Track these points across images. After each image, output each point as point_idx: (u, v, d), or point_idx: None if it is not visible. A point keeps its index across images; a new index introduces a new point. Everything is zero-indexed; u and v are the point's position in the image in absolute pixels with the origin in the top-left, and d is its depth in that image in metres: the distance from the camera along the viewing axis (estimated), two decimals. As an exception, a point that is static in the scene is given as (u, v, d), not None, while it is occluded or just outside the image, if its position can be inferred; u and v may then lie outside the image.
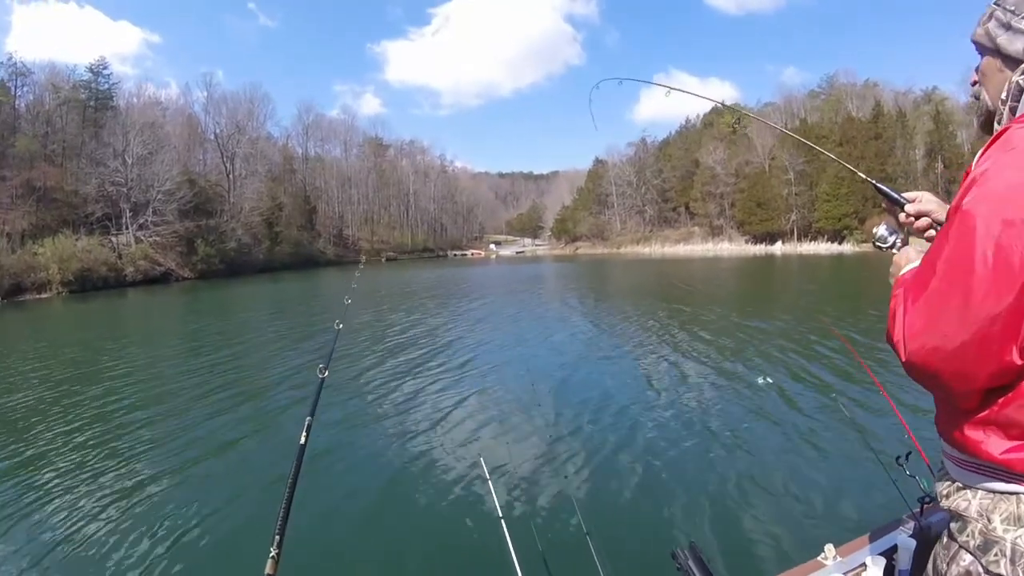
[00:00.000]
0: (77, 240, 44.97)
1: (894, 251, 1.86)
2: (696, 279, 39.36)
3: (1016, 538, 1.38)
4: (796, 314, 20.45)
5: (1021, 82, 1.43)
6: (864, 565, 2.59)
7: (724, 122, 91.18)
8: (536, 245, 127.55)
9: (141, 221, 54.02)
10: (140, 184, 55.17)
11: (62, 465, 8.14)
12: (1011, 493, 1.40)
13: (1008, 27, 1.47)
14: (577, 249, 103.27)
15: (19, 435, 9.71)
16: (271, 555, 1.52)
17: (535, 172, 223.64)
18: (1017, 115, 1.43)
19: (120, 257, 48.80)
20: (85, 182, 52.90)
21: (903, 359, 1.39)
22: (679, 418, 9.31)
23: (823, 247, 70.36)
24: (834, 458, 7.49)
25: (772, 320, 18.98)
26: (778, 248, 74.67)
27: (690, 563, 2.34)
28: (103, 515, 6.52)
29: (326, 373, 2.73)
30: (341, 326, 3.94)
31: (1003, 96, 1.48)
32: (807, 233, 75.31)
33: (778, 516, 6.04)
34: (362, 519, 6.44)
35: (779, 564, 3.10)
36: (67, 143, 56.01)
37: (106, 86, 67.13)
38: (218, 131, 79.67)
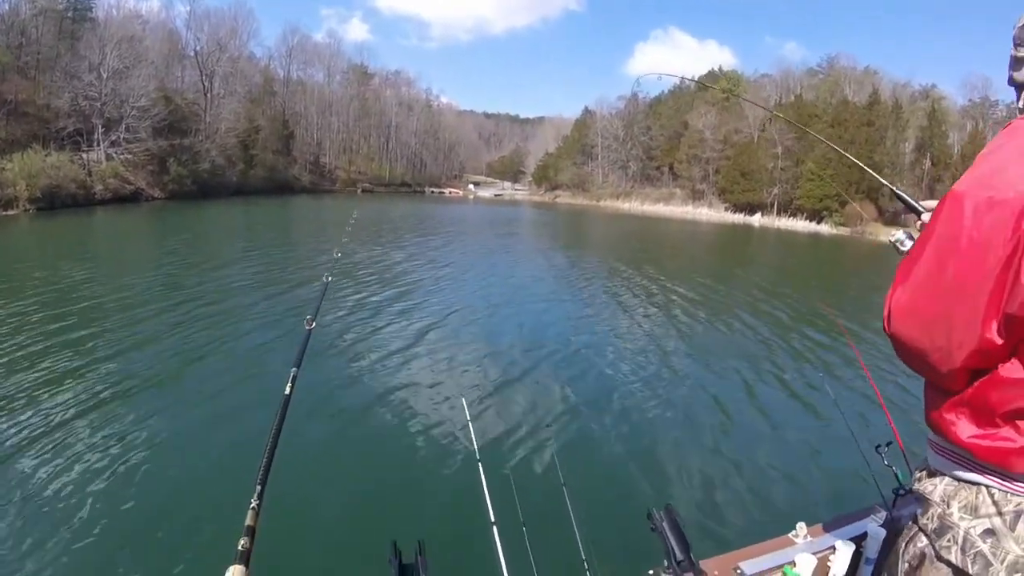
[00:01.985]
0: (47, 156, 43.19)
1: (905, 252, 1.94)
2: (681, 242, 40.53)
3: (970, 528, 1.48)
4: (790, 291, 21.01)
5: None
6: (833, 548, 2.65)
7: (718, 87, 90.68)
8: (515, 189, 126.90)
9: (113, 138, 52.06)
10: (114, 99, 53.07)
11: (29, 409, 7.76)
12: (972, 483, 1.50)
13: (1016, 62, 1.62)
14: (556, 197, 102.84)
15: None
16: (252, 506, 1.48)
17: (521, 116, 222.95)
18: None
19: (90, 174, 47.05)
20: (58, 96, 50.68)
21: (888, 330, 1.49)
22: (666, 384, 9.72)
23: (801, 224, 71.33)
24: (814, 439, 7.85)
25: (765, 296, 19.54)
26: (757, 220, 75.71)
27: (664, 524, 2.33)
28: (76, 466, 6.32)
29: (313, 325, 2.73)
30: (330, 279, 3.89)
31: (1020, 105, 1.62)
32: (787, 208, 75.61)
33: (754, 489, 6.34)
34: (343, 465, 6.58)
35: (751, 536, 2.87)
36: (42, 55, 53.37)
37: (84, -4, 64.92)
38: (199, 48, 76.88)
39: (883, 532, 2.67)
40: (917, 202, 2.16)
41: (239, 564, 1.28)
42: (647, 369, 10.57)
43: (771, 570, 2.55)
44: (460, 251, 25.70)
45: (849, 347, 10.42)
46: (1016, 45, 1.60)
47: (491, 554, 2.81)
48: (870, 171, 2.99)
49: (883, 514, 2.89)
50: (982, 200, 1.31)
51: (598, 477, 6.15)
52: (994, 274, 1.29)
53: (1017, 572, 1.41)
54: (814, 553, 2.59)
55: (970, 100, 79.79)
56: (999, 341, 1.33)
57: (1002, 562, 1.42)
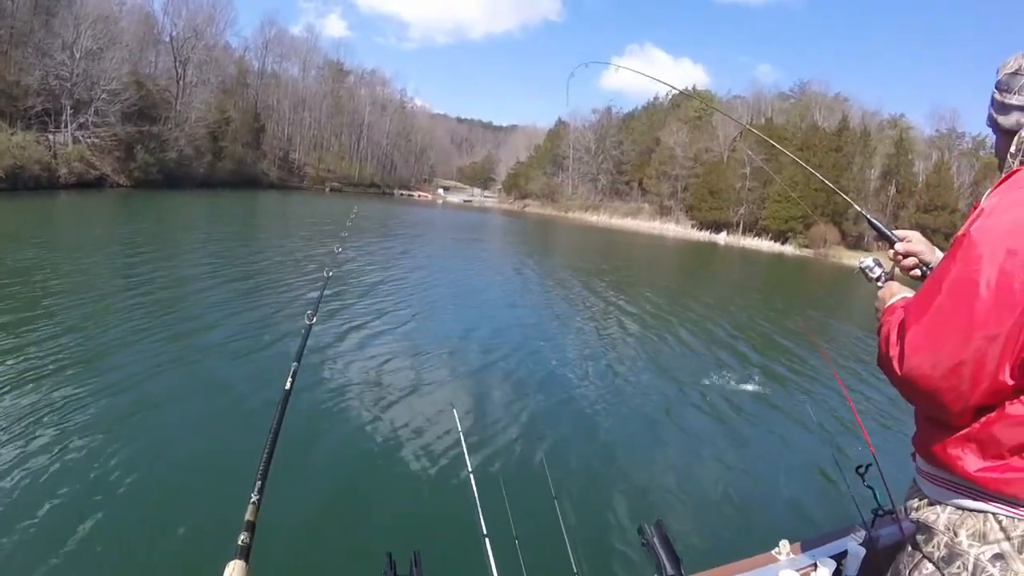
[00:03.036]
0: (12, 135, 42.27)
1: (879, 284, 2.03)
2: (657, 257, 41.08)
3: (979, 554, 1.50)
4: (770, 314, 21.28)
5: None
6: (815, 565, 2.71)
7: (691, 106, 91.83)
8: (485, 196, 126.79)
9: (81, 120, 50.99)
10: (85, 80, 51.89)
11: (21, 399, 7.63)
12: (979, 511, 1.52)
13: (1002, 107, 1.69)
14: (525, 206, 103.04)
15: None
16: (252, 500, 1.50)
17: (494, 123, 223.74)
18: None
19: (55, 157, 46.05)
20: (28, 73, 49.57)
21: (900, 373, 1.48)
22: (652, 402, 9.84)
23: (765, 244, 72.89)
24: (797, 460, 7.97)
25: (745, 316, 19.99)
26: (722, 238, 76.92)
27: (655, 539, 2.34)
28: (71, 459, 6.24)
29: (314, 320, 2.72)
30: (331, 273, 3.92)
31: (1012, 150, 1.63)
32: (752, 228, 76.93)
33: (738, 507, 6.42)
34: (336, 469, 6.62)
35: (735, 552, 2.92)
36: (16, 29, 51.93)
37: (64, -28, 63.50)
38: (174, 33, 75.49)
39: (863, 551, 2.77)
40: (891, 231, 2.25)
41: (239, 559, 1.29)
42: (635, 386, 10.68)
43: None
44: (440, 258, 25.73)
45: (830, 372, 10.65)
46: (1002, 91, 1.68)
47: (483, 567, 2.81)
48: (845, 196, 3.09)
49: (863, 533, 2.96)
50: (1000, 249, 1.36)
51: (589, 491, 6.20)
52: (1012, 318, 1.34)
53: None
54: (797, 570, 2.67)
55: (937, 131, 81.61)
56: (1011, 383, 1.38)
57: None
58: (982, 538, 1.50)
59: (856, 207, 2.82)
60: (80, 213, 33.38)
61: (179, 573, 4.85)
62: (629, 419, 8.91)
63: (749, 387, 11.46)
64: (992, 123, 1.75)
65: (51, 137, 48.27)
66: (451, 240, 34.70)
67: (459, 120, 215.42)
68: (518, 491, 5.56)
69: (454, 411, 4.22)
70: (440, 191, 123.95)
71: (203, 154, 68.17)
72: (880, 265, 2.14)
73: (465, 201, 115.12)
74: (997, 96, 1.70)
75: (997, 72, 1.72)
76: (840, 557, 2.79)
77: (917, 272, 2.11)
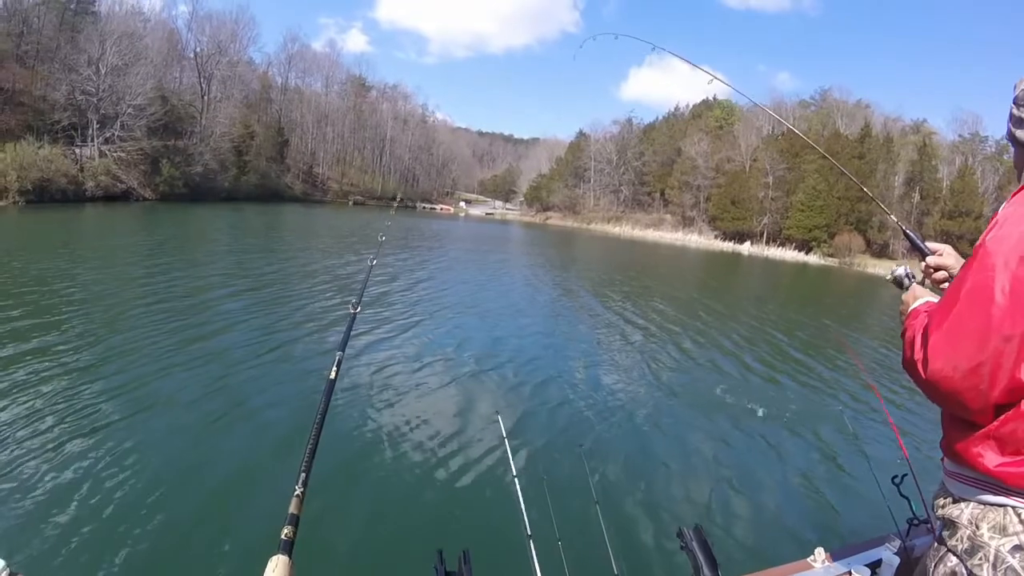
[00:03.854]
0: (40, 148, 42.88)
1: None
2: (686, 268, 41.06)
3: (1000, 546, 1.57)
4: (800, 322, 21.26)
5: None
6: (850, 573, 2.73)
7: (712, 116, 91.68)
8: (507, 209, 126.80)
9: (107, 135, 51.83)
10: (111, 96, 52.67)
11: (79, 392, 7.95)
12: (999, 505, 1.60)
13: (1020, 121, 1.78)
14: (548, 219, 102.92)
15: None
16: (296, 493, 1.49)
17: (516, 136, 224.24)
18: None
19: (82, 170, 46.78)
20: (55, 88, 50.36)
21: (924, 376, 1.58)
22: (693, 410, 9.90)
23: (789, 254, 72.17)
24: (833, 469, 8.02)
25: (776, 325, 20.32)
26: (746, 248, 76.19)
27: (694, 543, 2.39)
28: (120, 453, 6.43)
29: (358, 309, 2.77)
30: (375, 262, 4.02)
31: None
32: (776, 238, 76.30)
33: (776, 514, 6.51)
34: (383, 465, 6.73)
35: (772, 559, 3.24)
36: (42, 45, 52.98)
37: (89, -11, 64.49)
38: (198, 50, 76.62)
39: (897, 560, 2.79)
40: (924, 243, 2.33)
41: (283, 554, 1.29)
42: (672, 394, 10.76)
43: None
44: (470, 270, 25.90)
45: (866, 382, 10.63)
46: (1020, 106, 1.76)
47: (528, 567, 2.86)
48: (882, 206, 3.16)
49: (897, 543, 3.00)
50: (1013, 256, 1.46)
51: (629, 495, 6.24)
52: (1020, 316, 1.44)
53: None
54: None
55: (960, 136, 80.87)
56: None
57: None
58: (1002, 531, 1.57)
59: (893, 218, 2.90)
60: (114, 224, 33.93)
61: (223, 567, 4.90)
62: (667, 426, 8.94)
63: (785, 396, 11.49)
64: (1011, 137, 1.83)
65: (78, 151, 49.08)
66: (478, 252, 34.76)
67: (480, 134, 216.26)
68: (561, 495, 5.64)
69: (499, 416, 4.25)
70: (462, 204, 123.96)
71: (228, 168, 68.98)
72: (912, 277, 2.23)
73: (487, 214, 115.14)
74: (1015, 111, 1.78)
75: (1015, 88, 1.79)
76: (875, 566, 2.82)
77: (946, 286, 2.12)
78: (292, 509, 1.43)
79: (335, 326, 12.70)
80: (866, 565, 2.78)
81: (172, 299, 13.66)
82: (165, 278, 16.09)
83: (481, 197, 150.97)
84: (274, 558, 1.26)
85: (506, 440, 3.67)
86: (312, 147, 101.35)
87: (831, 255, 68.95)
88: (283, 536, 1.34)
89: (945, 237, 67.89)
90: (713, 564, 2.34)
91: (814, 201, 69.90)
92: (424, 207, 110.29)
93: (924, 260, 2.27)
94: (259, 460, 6.54)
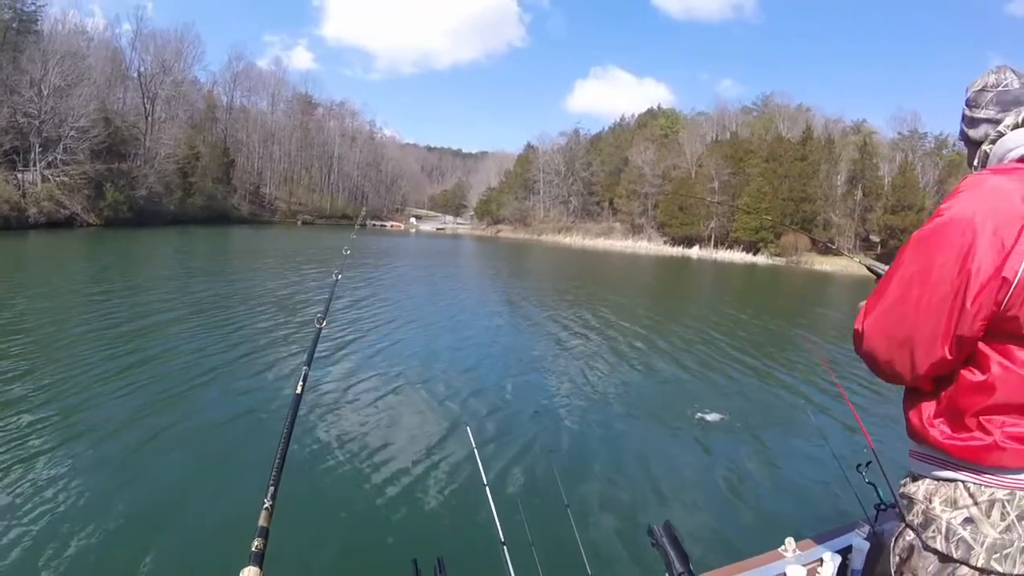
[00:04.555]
0: (-20, 174, 41.84)
1: None
2: (639, 275, 41.45)
3: (951, 518, 1.67)
4: (756, 320, 21.61)
5: (988, 150, 1.80)
6: (820, 560, 2.82)
7: (657, 125, 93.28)
8: (457, 223, 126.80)
9: (50, 158, 50.57)
10: (54, 118, 51.42)
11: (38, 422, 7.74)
12: (951, 480, 1.69)
13: (972, 121, 1.92)
14: (499, 232, 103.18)
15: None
16: (265, 506, 1.52)
17: (464, 150, 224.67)
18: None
19: (24, 196, 45.70)
20: (-5, 111, 48.81)
21: (859, 350, 1.78)
22: (657, 411, 9.92)
23: (738, 256, 73.87)
24: (800, 461, 8.16)
25: (734, 322, 20.92)
26: (695, 252, 77.70)
27: (664, 540, 2.38)
28: (87, 467, 6.48)
29: (323, 323, 2.84)
30: (339, 276, 4.03)
31: (975, 163, 1.87)
32: (724, 241, 78.00)
33: (745, 507, 6.61)
34: (353, 478, 6.69)
35: (744, 551, 3.17)
36: (-19, 67, 51.52)
37: (32, 7, 62.80)
38: (142, 69, 75.51)
39: (867, 544, 2.87)
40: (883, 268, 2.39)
41: (253, 566, 1.31)
42: (635, 395, 10.83)
43: None
44: (425, 284, 25.85)
45: (826, 373, 10.83)
46: (971, 107, 1.91)
47: (502, 572, 2.89)
48: (855, 259, 3.26)
49: (867, 528, 3.06)
50: (936, 244, 1.59)
51: (599, 497, 6.28)
52: (947, 303, 1.56)
53: (995, 552, 1.59)
54: (804, 565, 2.75)
55: (899, 133, 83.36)
56: (950, 358, 1.61)
57: (982, 545, 1.60)
58: (953, 504, 1.67)
59: (848, 255, 3.48)
60: (56, 251, 33.06)
61: (194, 579, 4.89)
62: (632, 428, 9.01)
63: (748, 392, 11.65)
64: (964, 137, 1.95)
65: (20, 176, 47.79)
66: (431, 267, 34.67)
67: (429, 149, 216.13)
68: (532, 500, 5.71)
69: (467, 427, 4.27)
70: (412, 220, 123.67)
71: (173, 191, 67.73)
72: None
73: (438, 229, 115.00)
74: (967, 112, 1.92)
75: (966, 91, 1.92)
76: (845, 552, 2.89)
77: None
78: (261, 522, 1.46)
79: (299, 342, 12.63)
80: (837, 552, 2.86)
81: (122, 324, 13.38)
82: (110, 304, 15.72)
83: (431, 212, 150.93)
84: (245, 570, 1.29)
85: (475, 449, 3.68)
86: (259, 167, 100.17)
87: (778, 255, 70.58)
88: (253, 548, 1.37)
89: (889, 231, 70.69)
90: (685, 559, 2.33)
91: (759, 203, 71.30)
92: (374, 224, 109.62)
93: None
94: (228, 477, 6.51)
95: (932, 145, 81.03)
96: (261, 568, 1.32)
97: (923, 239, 1.64)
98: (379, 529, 5.73)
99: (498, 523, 3.03)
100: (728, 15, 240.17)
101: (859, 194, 76.84)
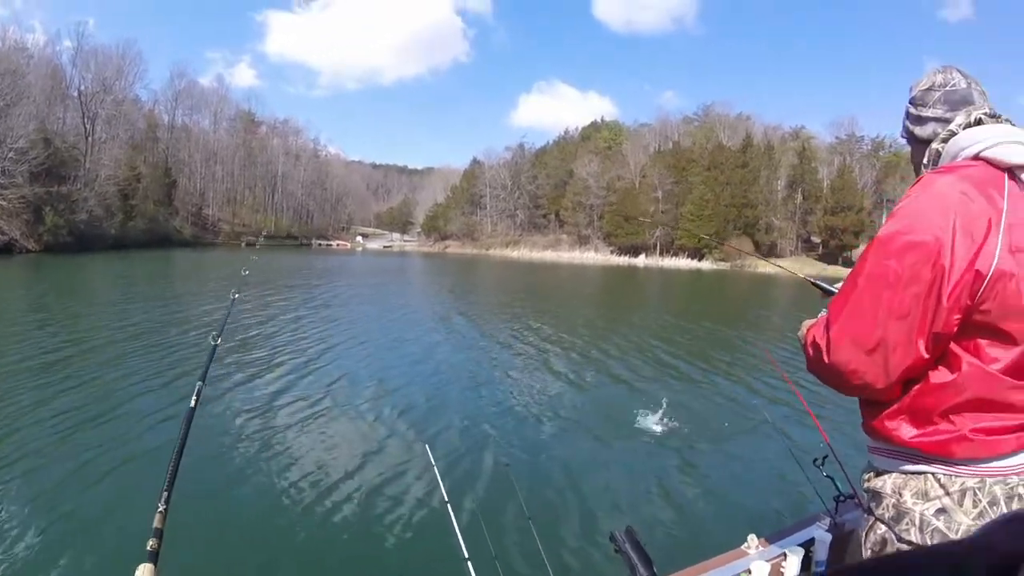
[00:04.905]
0: (-88, 200, 40.31)
1: None
2: (585, 285, 41.46)
3: (924, 510, 1.70)
4: (705, 323, 22.01)
5: (939, 148, 1.82)
6: (784, 555, 2.81)
7: (600, 137, 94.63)
8: (405, 241, 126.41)
9: (-13, 182, 48.88)
10: (-8, 139, 49.39)
11: None
12: (919, 473, 1.73)
13: (918, 119, 1.92)
14: (446, 247, 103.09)
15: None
16: (159, 509, 1.60)
17: (410, 166, 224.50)
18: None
19: (-40, 223, 44.23)
20: (-70, 132, 46.85)
21: (828, 360, 1.71)
22: (612, 417, 9.93)
23: (683, 262, 76.00)
24: (757, 459, 8.23)
25: (678, 327, 20.91)
26: (641, 261, 79.29)
27: (627, 545, 2.40)
28: None
29: (219, 340, 2.80)
30: (237, 295, 4.06)
31: (924, 161, 1.87)
32: (669, 248, 79.79)
33: (706, 508, 6.66)
34: (307, 500, 6.50)
35: (707, 550, 3.03)
36: (-84, 85, 49.52)
37: (-31, 24, 60.86)
38: (83, 87, 73.21)
39: (829, 536, 2.88)
40: (832, 285, 2.43)
41: (148, 563, 1.42)
42: (590, 403, 10.87)
43: None
44: (376, 302, 25.52)
45: (776, 372, 10.96)
46: (917, 105, 1.91)
47: (467, 588, 2.85)
48: (800, 274, 3.35)
49: (828, 520, 3.10)
50: (903, 243, 1.60)
51: (560, 506, 6.26)
52: (920, 301, 1.57)
53: None
54: (767, 561, 2.75)
55: (837, 138, 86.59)
56: (927, 356, 1.62)
57: (956, 532, 1.65)
58: (924, 496, 1.70)
59: (795, 274, 3.41)
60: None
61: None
62: (589, 436, 8.95)
63: (702, 393, 11.76)
64: (908, 134, 1.96)
65: (-44, 201, 46.13)
66: (377, 285, 34.33)
67: (374, 166, 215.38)
68: (493, 514, 5.67)
69: (426, 445, 4.33)
70: (359, 238, 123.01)
71: (114, 214, 65.86)
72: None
73: (385, 247, 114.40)
74: (912, 110, 1.93)
75: (911, 89, 1.94)
76: (808, 545, 2.89)
77: None
78: (156, 524, 1.55)
79: (216, 362, 12.32)
80: (799, 545, 2.86)
81: (48, 354, 13.06)
82: (43, 333, 15.35)
83: (378, 230, 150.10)
84: (141, 566, 1.39)
85: (434, 466, 3.69)
86: (201, 187, 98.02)
87: (723, 260, 71.98)
88: (148, 547, 1.47)
89: (829, 232, 73.23)
90: (648, 563, 2.36)
91: (702, 211, 72.77)
92: (320, 244, 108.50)
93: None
94: (127, 488, 6.48)
95: (869, 147, 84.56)
96: (156, 565, 1.42)
97: (889, 240, 1.64)
98: (341, 551, 5.58)
99: (461, 539, 3.02)
100: (669, 28, 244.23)
101: (799, 198, 79.79)
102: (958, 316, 1.59)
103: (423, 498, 6.40)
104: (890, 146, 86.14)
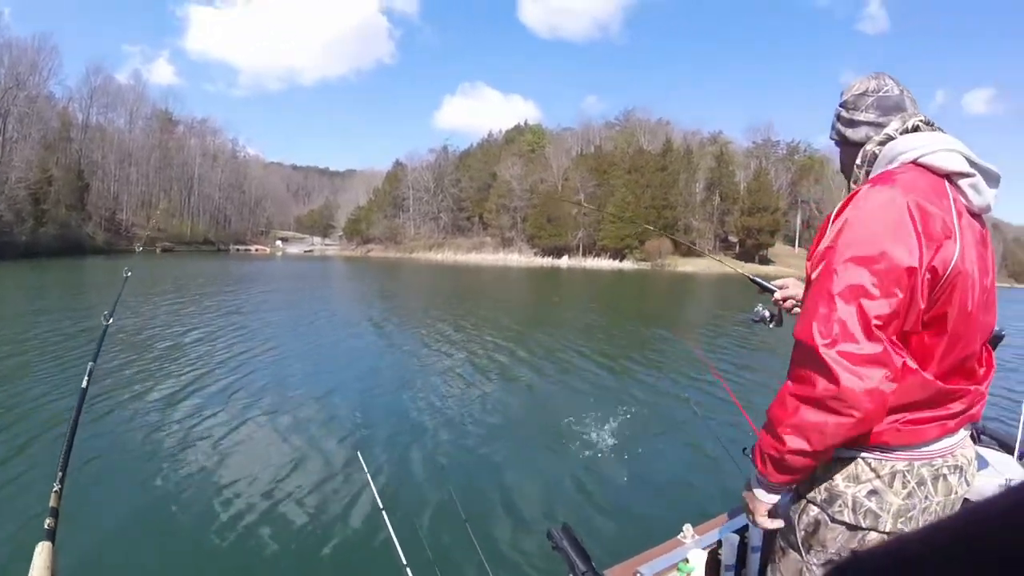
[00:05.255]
0: None
1: (770, 325, 2.50)
2: (509, 286, 41.43)
3: (855, 492, 1.74)
4: (631, 322, 22.15)
5: (876, 151, 1.83)
6: (719, 542, 2.88)
7: (524, 141, 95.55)
8: (326, 245, 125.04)
9: None
10: None
11: None
12: (850, 457, 1.75)
13: (851, 123, 1.91)
14: (369, 251, 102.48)
15: None
16: (55, 489, 1.64)
17: (331, 168, 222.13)
18: (870, 177, 1.83)
19: None
20: None
21: (839, 388, 1.56)
22: (542, 419, 9.95)
23: (606, 263, 77.99)
24: (689, 451, 8.38)
25: (609, 328, 21.04)
26: (564, 262, 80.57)
27: (564, 542, 2.45)
28: None
29: (111, 320, 2.79)
30: (130, 273, 3.90)
31: (858, 162, 1.89)
32: (592, 249, 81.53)
33: (642, 501, 6.73)
34: (229, 513, 6.22)
35: (643, 542, 3.03)
36: None
37: None
38: (-5, 83, 69.12)
39: None
40: (769, 283, 2.55)
41: (46, 541, 1.49)
42: (520, 405, 10.94)
43: (667, 570, 2.77)
44: (302, 310, 24.91)
45: (704, 366, 11.15)
46: (849, 109, 1.90)
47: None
48: (739, 269, 3.52)
49: None
50: (874, 251, 1.58)
51: (496, 508, 6.36)
52: (896, 303, 1.57)
53: (901, 517, 1.71)
54: (703, 549, 2.83)
55: (754, 142, 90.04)
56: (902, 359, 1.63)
57: (888, 512, 1.71)
58: (855, 479, 1.74)
59: (735, 269, 3.58)
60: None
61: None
62: (521, 435, 8.99)
63: (631, 389, 11.86)
64: (839, 137, 1.95)
65: None
66: (297, 292, 33.48)
67: (295, 168, 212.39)
68: (430, 519, 5.73)
69: (358, 452, 4.34)
70: (278, 243, 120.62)
71: (24, 219, 63.32)
72: (767, 310, 2.50)
73: (306, 251, 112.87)
74: (844, 114, 1.92)
75: (842, 94, 1.96)
76: (742, 531, 2.94)
77: (797, 309, 2.33)
78: (52, 503, 1.63)
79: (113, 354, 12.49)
80: (734, 531, 2.91)
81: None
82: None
83: (299, 235, 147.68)
84: (40, 544, 1.47)
85: (368, 474, 3.67)
86: (115, 191, 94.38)
87: (643, 259, 73.80)
88: (46, 526, 1.55)
89: (746, 231, 76.08)
90: (586, 558, 2.41)
91: (623, 212, 74.03)
92: (238, 249, 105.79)
93: (773, 296, 2.46)
94: (24, 470, 6.64)
95: (784, 151, 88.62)
96: (53, 543, 1.50)
97: (853, 248, 1.61)
98: (259, 555, 5.51)
99: (398, 545, 3.03)
100: (594, 35, 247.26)
101: (717, 199, 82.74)
102: (916, 318, 1.63)
103: (356, 505, 6.34)
104: (804, 150, 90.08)
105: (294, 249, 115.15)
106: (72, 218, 77.32)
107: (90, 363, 2.31)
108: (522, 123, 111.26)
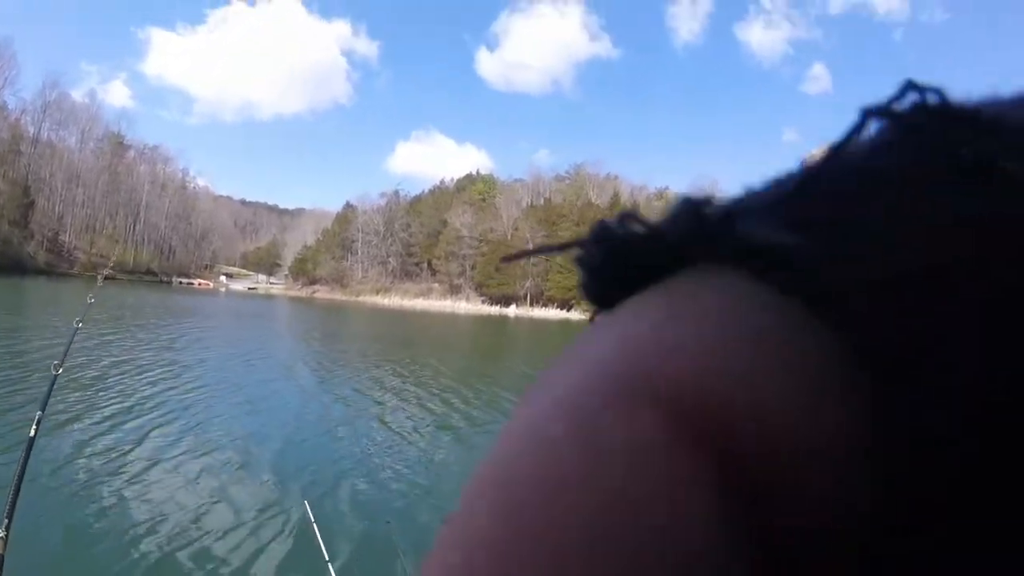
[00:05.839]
0: None
1: None
2: (454, 334, 41.46)
3: None
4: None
5: None
6: None
7: (475, 189, 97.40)
8: (271, 283, 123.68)
9: None
10: None
11: None
12: None
13: None
14: (315, 292, 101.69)
15: None
16: (0, 536, 1.61)
17: (280, 206, 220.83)
18: None
19: None
20: None
21: None
22: (470, 458, 10.31)
23: (553, 313, 78.57)
24: None
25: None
26: (512, 311, 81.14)
27: None
28: None
29: (60, 370, 2.79)
30: (80, 324, 3.90)
31: None
32: (539, 299, 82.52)
33: None
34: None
35: None
36: None
37: None
38: (-55, 92, 68.05)
39: None
40: None
41: None
42: (468, 450, 11.23)
43: None
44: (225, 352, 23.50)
45: None
46: None
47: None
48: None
49: None
50: None
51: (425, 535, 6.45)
52: None
53: None
54: None
55: None
56: None
57: None
58: None
59: None
60: None
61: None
62: (447, 482, 9.12)
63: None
64: None
65: None
66: (239, 330, 32.37)
67: (244, 203, 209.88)
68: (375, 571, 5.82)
69: (305, 502, 4.52)
70: (223, 278, 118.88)
71: (-36, 233, 61.42)
72: None
73: (250, 289, 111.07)
74: None
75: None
76: None
77: None
78: None
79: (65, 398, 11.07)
80: None
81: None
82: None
83: (244, 271, 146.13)
84: None
85: (313, 523, 3.74)
86: (60, 211, 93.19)
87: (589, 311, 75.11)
88: None
89: None
90: None
91: (571, 262, 75.59)
92: (181, 282, 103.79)
93: None
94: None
95: None
96: None
97: None
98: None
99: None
100: (547, 90, 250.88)
101: None
102: None
103: (301, 557, 6.09)
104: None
105: (238, 286, 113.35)
106: (14, 235, 76.27)
107: (38, 412, 2.35)
108: (474, 172, 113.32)
